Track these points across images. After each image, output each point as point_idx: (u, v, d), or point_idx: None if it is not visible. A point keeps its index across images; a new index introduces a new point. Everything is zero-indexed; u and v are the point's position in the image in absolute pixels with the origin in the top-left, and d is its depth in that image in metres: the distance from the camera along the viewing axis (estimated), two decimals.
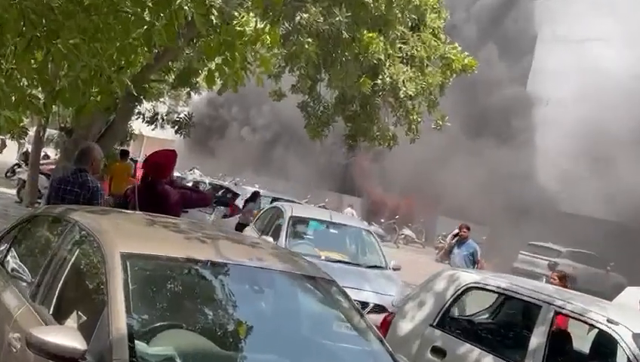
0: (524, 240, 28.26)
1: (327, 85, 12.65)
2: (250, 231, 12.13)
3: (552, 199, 31.12)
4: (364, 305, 8.79)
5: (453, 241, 13.30)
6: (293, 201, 17.27)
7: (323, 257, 10.35)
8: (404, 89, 12.35)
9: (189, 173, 32.88)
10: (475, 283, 6.44)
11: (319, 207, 23.88)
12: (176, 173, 17.10)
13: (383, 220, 34.07)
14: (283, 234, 10.97)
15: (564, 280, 9.69)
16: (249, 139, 47.26)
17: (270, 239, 10.29)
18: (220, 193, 19.28)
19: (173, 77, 14.94)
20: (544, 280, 16.34)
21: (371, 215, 34.82)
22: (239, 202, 17.52)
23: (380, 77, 12.32)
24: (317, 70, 12.58)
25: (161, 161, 6.93)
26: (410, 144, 13.41)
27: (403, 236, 33.99)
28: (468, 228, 13.17)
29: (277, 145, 45.64)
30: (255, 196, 16.41)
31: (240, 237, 5.19)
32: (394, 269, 11.12)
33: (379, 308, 9.29)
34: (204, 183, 22.56)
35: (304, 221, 11.79)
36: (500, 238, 29.24)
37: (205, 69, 6.81)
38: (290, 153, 43.33)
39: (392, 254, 17.04)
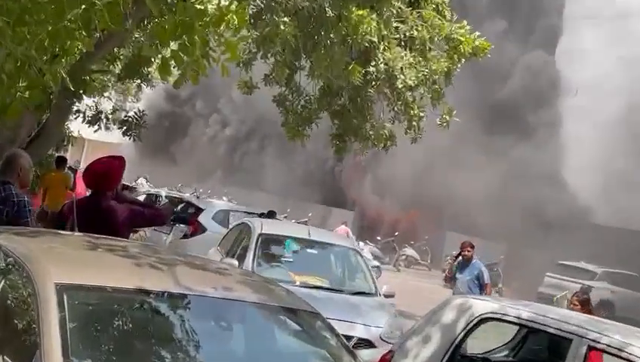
0: (551, 259, 28.25)
1: (309, 74, 12.55)
2: (213, 254, 12.17)
3: (585, 208, 31.22)
4: (347, 339, 8.87)
5: (455, 263, 13.51)
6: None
7: (298, 283, 10.51)
8: (403, 78, 12.31)
9: (138, 183, 32.66)
10: (491, 313, 6.44)
11: (301, 223, 23.88)
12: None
13: (379, 238, 34.07)
14: (250, 255, 11.08)
15: (587, 305, 9.63)
16: (216, 141, 47.14)
17: (234, 262, 10.47)
18: (179, 208, 19.19)
19: (119, 67, 14.87)
20: (554, 300, 16.43)
21: (366, 231, 34.89)
22: (206, 219, 17.48)
23: (373, 63, 12.25)
24: (296, 56, 12.49)
25: (106, 171, 6.92)
26: (412, 144, 13.39)
27: (404, 257, 34.03)
28: (472, 247, 13.40)
29: (250, 149, 45.58)
30: (271, 216, 16.48)
31: (202, 262, 5.18)
32: (386, 296, 11.24)
33: (365, 343, 9.38)
34: (161, 196, 22.37)
35: (276, 239, 11.93)
36: (522, 257, 29.29)
37: (159, 56, 6.69)
38: (266, 158, 43.29)
39: (390, 279, 17.05)
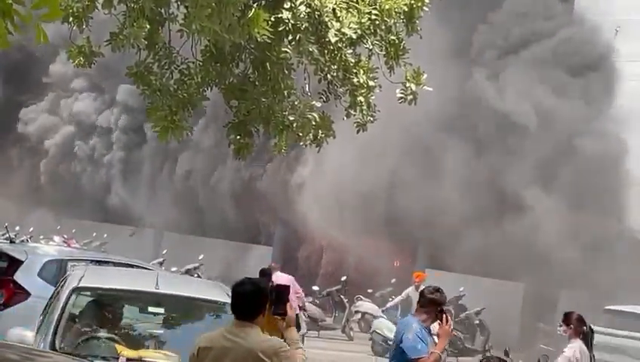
0: (592, 302, 21.80)
1: (184, 28, 10.05)
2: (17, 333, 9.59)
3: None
4: None
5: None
6: (134, 266, 14.04)
7: (123, 360, 8.54)
8: (337, 25, 10.31)
9: None
10: None
11: (186, 271, 21.47)
12: None
13: (316, 287, 25.03)
14: (52, 323, 9.06)
15: None
16: (44, 147, 37.28)
17: (27, 336, 8.84)
18: None
19: None
20: None
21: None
22: (28, 276, 13.61)
23: (288, 5, 10.18)
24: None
25: None
26: (358, 133, 11.18)
27: (359, 315, 24.30)
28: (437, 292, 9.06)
29: (104, 156, 36.03)
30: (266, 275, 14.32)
31: None
32: None
33: None
34: None
35: (103, 296, 9.80)
36: (546, 302, 23.58)
37: None
38: (134, 168, 35.04)
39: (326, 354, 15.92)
